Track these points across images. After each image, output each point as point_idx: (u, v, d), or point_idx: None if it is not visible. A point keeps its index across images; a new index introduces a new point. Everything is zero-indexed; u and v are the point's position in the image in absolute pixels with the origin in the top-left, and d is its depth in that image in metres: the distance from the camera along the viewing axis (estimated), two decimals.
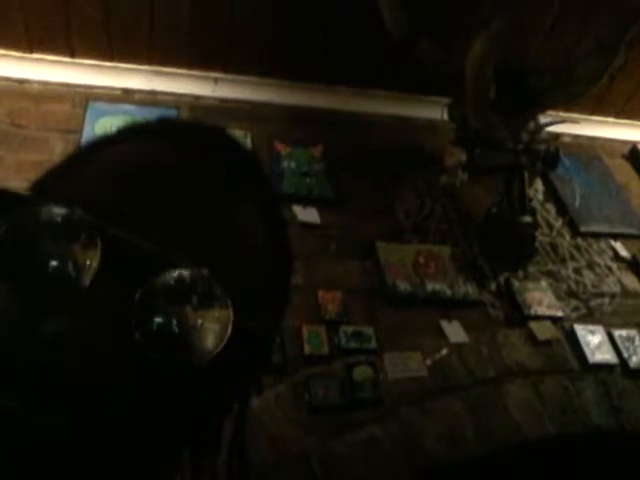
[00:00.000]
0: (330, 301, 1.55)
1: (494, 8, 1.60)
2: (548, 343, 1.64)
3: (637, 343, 1.70)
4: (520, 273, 1.76)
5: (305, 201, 1.76)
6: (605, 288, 1.83)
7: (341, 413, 1.38)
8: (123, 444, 0.33)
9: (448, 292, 1.65)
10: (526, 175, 1.68)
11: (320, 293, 1.56)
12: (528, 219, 1.68)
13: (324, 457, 1.31)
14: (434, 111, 1.90)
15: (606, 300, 1.80)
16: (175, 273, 0.32)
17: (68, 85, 1.86)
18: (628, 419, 1.57)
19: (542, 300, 1.72)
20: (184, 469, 0.41)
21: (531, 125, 1.72)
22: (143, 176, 0.38)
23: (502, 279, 1.74)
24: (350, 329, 1.51)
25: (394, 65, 1.90)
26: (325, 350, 1.46)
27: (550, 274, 1.81)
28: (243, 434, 0.43)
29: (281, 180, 1.80)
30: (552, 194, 2.01)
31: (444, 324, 1.60)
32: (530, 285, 1.75)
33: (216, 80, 1.97)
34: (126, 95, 1.90)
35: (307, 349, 1.44)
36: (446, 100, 1.83)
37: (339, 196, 1.81)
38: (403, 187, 1.88)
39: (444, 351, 1.55)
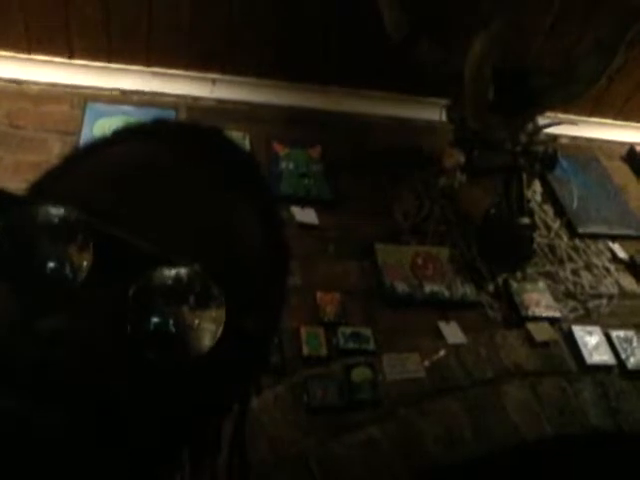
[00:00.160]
0: (328, 302, 1.55)
1: (494, 8, 1.61)
2: (546, 344, 1.65)
3: (635, 344, 1.70)
4: (518, 274, 1.77)
5: (303, 202, 1.76)
6: (603, 289, 1.83)
7: (339, 414, 1.38)
8: (122, 444, 0.33)
9: (446, 293, 1.65)
10: (524, 176, 1.69)
11: (318, 294, 1.56)
12: (526, 220, 1.68)
13: (323, 458, 1.31)
14: (433, 112, 1.90)
15: (604, 301, 1.80)
16: (172, 272, 0.33)
17: (66, 86, 1.86)
18: (626, 420, 1.57)
19: (540, 301, 1.72)
20: (184, 469, 0.41)
21: (529, 126, 1.72)
22: (140, 177, 0.38)
23: (500, 280, 1.74)
24: (348, 330, 1.51)
25: (393, 66, 1.90)
26: (323, 351, 1.46)
27: (548, 275, 1.81)
28: (243, 434, 0.43)
29: (279, 181, 1.80)
30: (550, 195, 2.02)
31: (442, 325, 1.60)
32: (528, 286, 1.75)
33: (214, 81, 1.97)
34: (124, 96, 1.90)
35: (305, 350, 1.44)
36: (445, 101, 1.83)
37: (337, 197, 1.81)
38: (401, 188, 1.88)
39: (442, 352, 1.55)
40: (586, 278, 1.84)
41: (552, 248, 1.88)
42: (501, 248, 1.72)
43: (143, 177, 0.38)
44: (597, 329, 1.71)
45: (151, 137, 0.44)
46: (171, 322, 0.33)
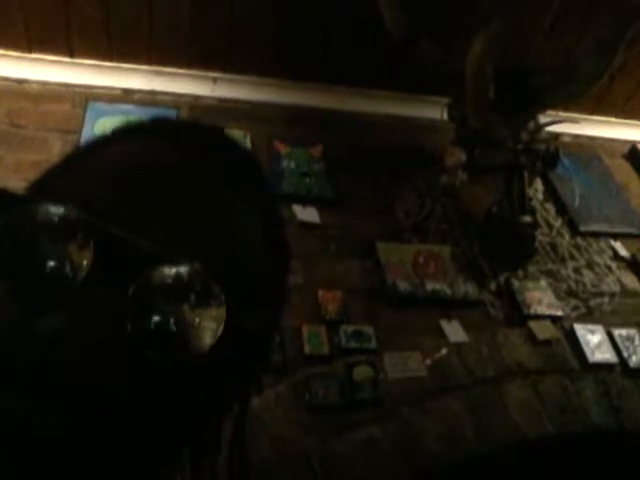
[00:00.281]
0: (330, 301, 1.55)
1: (494, 8, 1.60)
2: (548, 343, 1.64)
3: (637, 342, 1.70)
4: (520, 273, 1.76)
5: (305, 201, 1.76)
6: (605, 287, 1.83)
7: (341, 413, 1.38)
8: (122, 444, 0.33)
9: (448, 292, 1.65)
10: (526, 175, 1.68)
11: (320, 293, 1.56)
12: (528, 219, 1.68)
13: (324, 457, 1.31)
14: (434, 111, 1.90)
15: (606, 299, 1.80)
16: (172, 271, 0.33)
17: (67, 85, 1.86)
18: (628, 418, 1.56)
19: (542, 299, 1.72)
20: (184, 469, 0.41)
21: (531, 125, 1.71)
22: (140, 176, 0.38)
23: (502, 279, 1.74)
24: (350, 329, 1.51)
25: (394, 65, 1.90)
26: (325, 350, 1.46)
27: (550, 274, 1.81)
28: (243, 434, 0.43)
29: (281, 180, 1.80)
30: (552, 194, 2.02)
31: (444, 324, 1.60)
32: (530, 285, 1.75)
33: (215, 80, 1.97)
34: (126, 95, 1.90)
35: (307, 349, 1.44)
36: (446, 100, 1.82)
37: (339, 196, 1.81)
38: (403, 187, 1.88)
39: (444, 351, 1.55)
40: (588, 276, 1.84)
41: (554, 246, 1.87)
42: (503, 246, 1.72)
43: (143, 176, 0.38)
44: (599, 327, 1.71)
45: (151, 136, 0.44)
46: (172, 321, 0.33)
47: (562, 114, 2.07)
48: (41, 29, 1.81)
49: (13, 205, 0.34)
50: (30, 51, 1.84)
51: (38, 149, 1.68)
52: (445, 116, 1.82)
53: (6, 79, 1.82)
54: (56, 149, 1.69)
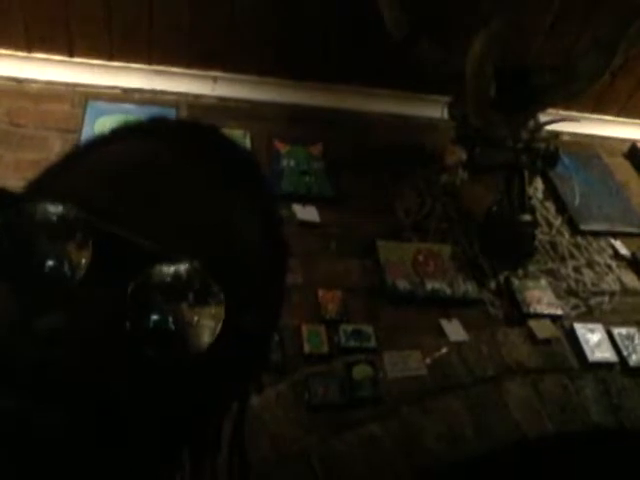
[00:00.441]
0: (330, 300, 1.55)
1: (494, 8, 1.60)
2: (548, 341, 1.64)
3: (637, 341, 1.70)
4: (520, 272, 1.76)
5: (304, 200, 1.76)
6: (605, 286, 1.83)
7: (341, 412, 1.38)
8: (122, 444, 0.33)
9: (448, 291, 1.65)
10: (526, 174, 1.68)
11: (320, 292, 1.56)
12: (528, 218, 1.68)
13: (324, 456, 1.31)
14: (434, 110, 1.90)
15: (606, 298, 1.80)
16: (171, 269, 0.33)
17: (67, 84, 1.86)
18: (627, 417, 1.57)
19: (542, 298, 1.72)
20: (184, 469, 0.41)
21: (531, 123, 1.71)
22: (139, 176, 0.38)
23: (502, 278, 1.74)
24: (350, 328, 1.51)
25: (394, 64, 1.90)
26: (325, 349, 1.46)
27: (550, 272, 1.81)
28: (243, 433, 0.43)
29: (280, 179, 1.80)
30: (552, 192, 2.01)
31: (444, 323, 1.60)
32: (530, 284, 1.75)
33: (215, 79, 1.97)
34: (125, 94, 1.90)
35: (307, 348, 1.44)
36: (446, 99, 1.82)
37: (339, 195, 1.81)
38: (403, 186, 1.87)
39: (444, 350, 1.55)
40: (588, 275, 1.84)
41: (554, 245, 1.87)
42: (503, 245, 1.72)
43: (142, 175, 0.38)
44: (599, 326, 1.71)
45: (150, 135, 0.44)
46: (170, 319, 0.33)
47: (562, 113, 2.06)
48: (41, 28, 1.81)
49: (12, 204, 0.34)
50: (30, 50, 1.84)
51: (38, 148, 1.68)
52: (445, 115, 1.82)
53: (6, 78, 1.82)
54: (56, 148, 1.69)
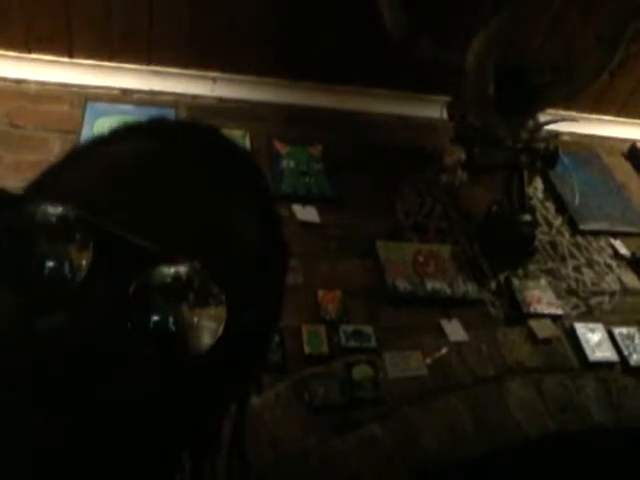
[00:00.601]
0: (330, 300, 1.55)
1: (494, 8, 1.60)
2: (548, 341, 1.64)
3: (637, 341, 1.70)
4: (520, 271, 1.76)
5: (304, 200, 1.76)
6: (605, 286, 1.83)
7: (341, 412, 1.38)
8: (122, 444, 0.33)
9: (448, 291, 1.65)
10: (525, 174, 1.68)
11: (320, 292, 1.56)
12: (528, 218, 1.67)
13: (324, 456, 1.31)
14: (433, 110, 1.90)
15: (606, 298, 1.80)
16: (171, 270, 0.32)
17: (66, 85, 1.86)
18: (628, 417, 1.56)
19: (542, 298, 1.72)
20: (184, 469, 0.41)
21: (530, 123, 1.71)
22: (138, 176, 0.38)
23: (502, 278, 1.74)
24: (350, 328, 1.51)
25: (393, 64, 1.90)
26: (325, 349, 1.46)
27: (550, 272, 1.81)
28: (242, 433, 0.43)
29: (280, 179, 1.80)
30: (551, 192, 2.01)
31: (444, 323, 1.59)
32: (530, 283, 1.74)
33: (215, 80, 1.97)
34: (124, 95, 1.90)
35: (307, 349, 1.44)
36: (445, 98, 1.82)
37: (339, 195, 1.81)
38: (403, 186, 1.87)
39: (444, 350, 1.55)
40: (588, 275, 1.84)
41: (554, 245, 1.87)
42: (503, 245, 1.72)
43: (141, 176, 0.38)
44: (599, 326, 1.71)
45: (149, 136, 0.44)
46: (171, 320, 0.33)
47: (562, 112, 2.07)
48: (40, 29, 1.80)
49: (12, 205, 0.33)
50: (29, 51, 1.84)
51: (37, 149, 1.67)
52: (444, 115, 1.82)
53: (5, 79, 1.82)
54: (55, 149, 1.68)
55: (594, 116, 2.29)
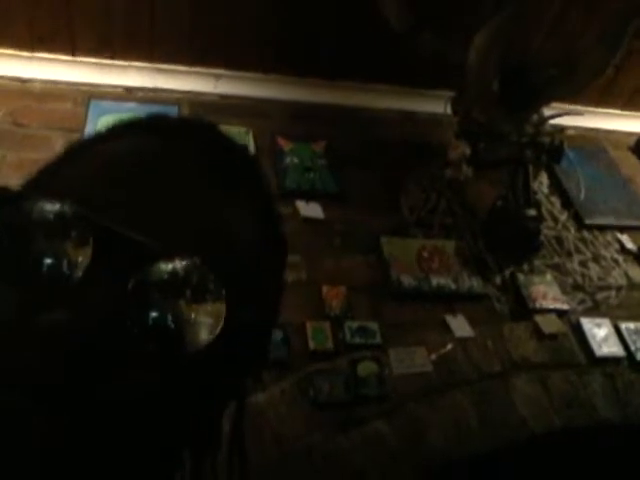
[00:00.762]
0: (334, 297, 1.55)
1: (495, 7, 1.59)
2: (554, 337, 1.64)
3: None
4: (525, 267, 1.76)
5: (308, 196, 1.76)
6: (611, 281, 1.82)
7: (346, 409, 1.38)
8: (122, 442, 0.33)
9: (453, 286, 1.65)
10: (531, 168, 1.67)
11: (324, 288, 1.55)
12: (533, 212, 1.67)
13: (328, 453, 1.31)
14: (437, 105, 1.89)
15: (612, 293, 1.79)
16: (170, 267, 0.32)
17: (70, 83, 1.86)
18: (635, 412, 1.56)
19: (548, 293, 1.71)
20: (184, 468, 0.41)
21: (535, 118, 1.70)
22: (136, 174, 0.38)
23: (507, 273, 1.73)
24: (355, 324, 1.50)
25: (396, 59, 1.89)
26: (329, 346, 1.46)
27: (556, 267, 1.80)
28: (242, 430, 0.43)
29: (284, 176, 1.79)
30: (557, 187, 2.00)
31: (449, 318, 1.59)
32: (535, 279, 1.74)
33: (217, 77, 1.97)
34: (128, 93, 1.90)
35: (311, 345, 1.44)
36: (449, 93, 1.81)
37: (342, 191, 1.81)
38: (407, 181, 1.87)
39: (449, 346, 1.54)
40: (594, 270, 1.83)
41: (559, 240, 1.87)
42: (508, 240, 1.71)
43: (139, 173, 0.38)
44: (606, 321, 1.70)
45: (147, 133, 0.44)
46: (170, 316, 0.32)
47: (567, 106, 2.05)
48: (43, 28, 1.81)
49: (10, 202, 0.33)
50: (32, 50, 1.84)
51: (40, 148, 1.68)
52: (448, 110, 1.81)
53: (9, 78, 1.83)
54: (58, 148, 1.66)
55: (600, 109, 2.28)
